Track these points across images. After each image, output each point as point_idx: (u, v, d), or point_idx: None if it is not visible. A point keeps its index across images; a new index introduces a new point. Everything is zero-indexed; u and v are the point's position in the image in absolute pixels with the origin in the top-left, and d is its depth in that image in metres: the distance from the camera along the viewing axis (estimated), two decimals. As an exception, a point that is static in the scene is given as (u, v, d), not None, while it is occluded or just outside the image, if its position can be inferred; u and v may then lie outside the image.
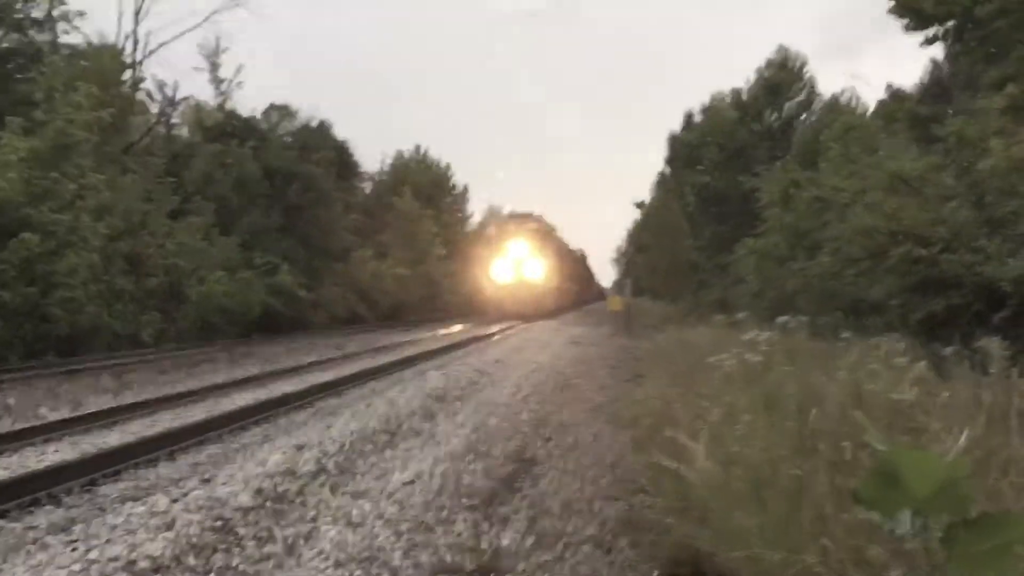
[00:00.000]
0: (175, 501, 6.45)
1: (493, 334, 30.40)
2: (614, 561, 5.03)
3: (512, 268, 45.69)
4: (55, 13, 30.72)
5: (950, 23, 15.73)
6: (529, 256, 46.17)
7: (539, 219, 51.15)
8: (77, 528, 5.89)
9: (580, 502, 6.29)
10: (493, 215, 54.89)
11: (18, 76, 28.19)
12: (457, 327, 37.44)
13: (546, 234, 50.09)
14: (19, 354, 20.55)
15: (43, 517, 6.36)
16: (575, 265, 65.23)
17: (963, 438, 3.97)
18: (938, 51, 23.19)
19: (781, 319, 8.10)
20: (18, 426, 10.45)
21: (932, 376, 5.66)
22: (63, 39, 31.23)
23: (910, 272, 14.15)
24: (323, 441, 8.84)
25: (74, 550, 5.33)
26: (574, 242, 67.13)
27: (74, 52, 30.45)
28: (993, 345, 5.56)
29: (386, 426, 9.88)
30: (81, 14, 31.28)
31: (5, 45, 29.45)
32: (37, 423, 10.67)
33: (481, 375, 15.64)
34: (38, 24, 30.46)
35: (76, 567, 5.00)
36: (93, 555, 5.18)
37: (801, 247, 21.99)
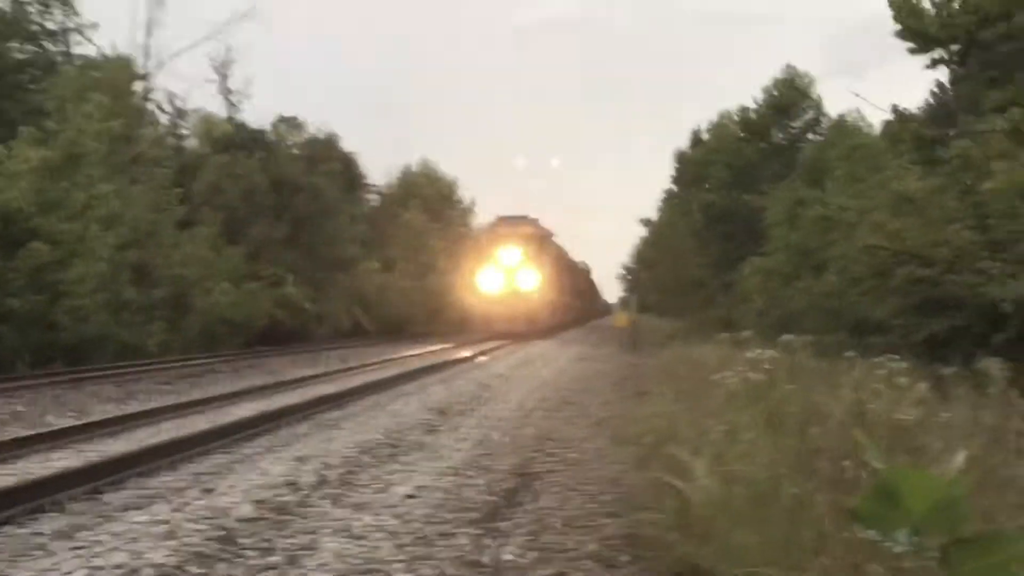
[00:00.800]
0: (177, 510, 6.48)
1: (497, 348, 30.29)
2: (616, 576, 5.05)
3: (502, 278, 40.19)
4: (69, 25, 30.93)
5: (954, 46, 15.85)
6: (522, 264, 40.40)
7: (534, 222, 43.86)
8: (81, 535, 5.92)
9: (582, 518, 6.31)
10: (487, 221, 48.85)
11: (31, 87, 28.36)
12: (462, 341, 35.47)
13: (543, 239, 43.31)
14: (27, 362, 20.62)
15: (48, 524, 6.37)
16: (577, 277, 60.52)
17: (961, 458, 3.99)
18: (943, 74, 23.29)
19: (785, 337, 8.12)
20: (24, 433, 10.48)
21: (933, 396, 5.69)
22: (76, 50, 31.44)
23: (913, 292, 14.19)
24: (325, 453, 8.87)
25: (78, 556, 5.36)
26: (579, 256, 65.22)
27: (86, 63, 30.61)
28: (994, 366, 5.59)
29: (388, 439, 9.90)
30: (94, 26, 31.53)
31: (19, 56, 29.62)
32: (43, 430, 10.71)
33: (484, 389, 15.65)
34: (52, 36, 30.64)
35: (80, 573, 5.03)
36: (97, 562, 5.21)
37: (806, 266, 22.03)
